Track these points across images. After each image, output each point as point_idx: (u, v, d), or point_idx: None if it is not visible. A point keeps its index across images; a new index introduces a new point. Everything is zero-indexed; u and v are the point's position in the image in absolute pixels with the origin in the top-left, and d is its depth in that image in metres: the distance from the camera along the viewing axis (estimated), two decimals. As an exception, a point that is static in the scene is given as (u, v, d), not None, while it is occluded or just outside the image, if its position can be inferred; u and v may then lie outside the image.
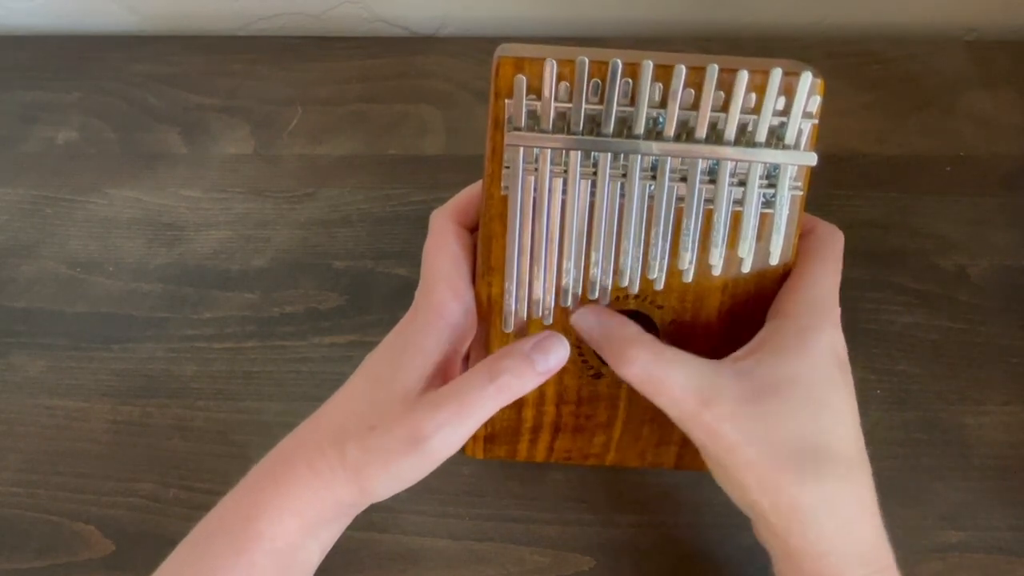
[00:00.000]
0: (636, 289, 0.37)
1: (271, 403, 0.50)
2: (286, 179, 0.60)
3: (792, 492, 0.33)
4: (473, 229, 0.39)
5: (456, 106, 0.64)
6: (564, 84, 0.34)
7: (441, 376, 0.36)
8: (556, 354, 0.36)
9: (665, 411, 0.35)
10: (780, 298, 0.37)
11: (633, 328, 0.36)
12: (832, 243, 0.37)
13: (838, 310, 0.36)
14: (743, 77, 0.33)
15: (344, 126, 0.63)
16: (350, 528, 0.38)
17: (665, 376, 0.34)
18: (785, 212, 0.35)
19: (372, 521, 0.45)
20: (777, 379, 0.34)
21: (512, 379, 0.35)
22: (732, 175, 0.35)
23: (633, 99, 0.34)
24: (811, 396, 0.34)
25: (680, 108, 0.34)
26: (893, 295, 0.53)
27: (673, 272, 0.37)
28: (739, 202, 0.35)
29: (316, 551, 0.36)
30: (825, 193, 0.57)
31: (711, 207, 0.35)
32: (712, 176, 0.35)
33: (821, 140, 0.35)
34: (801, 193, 0.35)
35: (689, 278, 0.37)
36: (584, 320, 0.37)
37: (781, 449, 0.33)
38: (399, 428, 0.34)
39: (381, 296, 0.54)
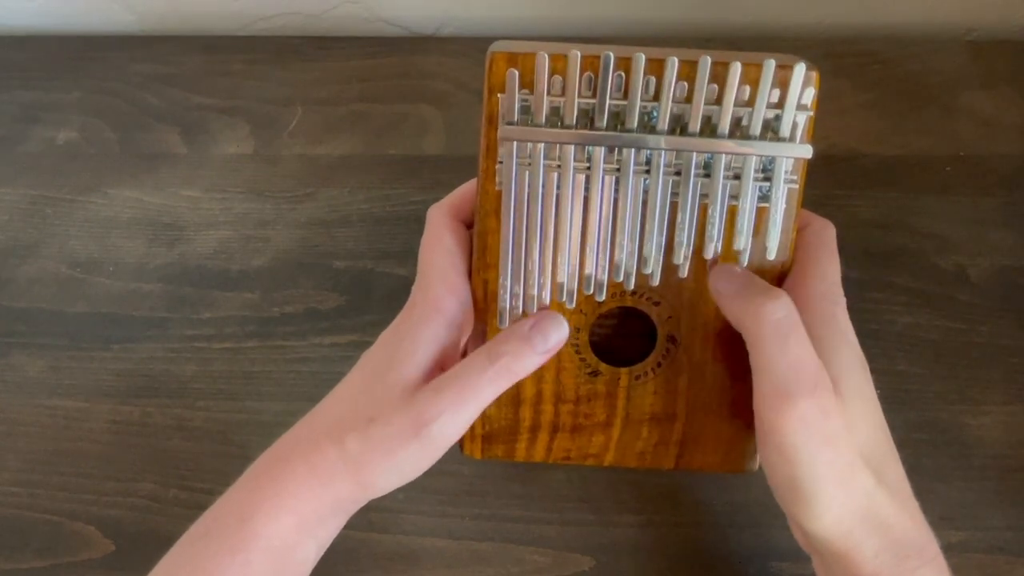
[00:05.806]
0: (632, 285, 0.37)
1: (271, 403, 0.50)
2: (286, 179, 0.61)
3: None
4: (470, 225, 0.39)
5: (456, 106, 0.64)
6: (557, 78, 0.34)
7: (438, 371, 0.36)
8: (555, 334, 0.36)
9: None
10: (790, 293, 0.36)
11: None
12: (829, 235, 0.37)
13: (844, 299, 0.36)
14: (736, 69, 0.33)
15: (344, 126, 0.63)
16: (350, 528, 0.38)
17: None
18: (781, 206, 0.35)
19: (372, 521, 0.45)
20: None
21: (512, 361, 0.35)
22: (727, 169, 0.35)
23: (626, 92, 0.34)
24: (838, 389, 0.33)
25: (674, 101, 0.34)
26: (893, 295, 0.53)
27: (669, 268, 0.37)
28: (735, 196, 0.35)
29: (313, 550, 0.36)
30: (825, 193, 0.57)
31: (707, 201, 0.35)
32: (707, 170, 0.35)
33: (821, 140, 0.35)
34: (797, 186, 0.35)
35: (685, 274, 0.37)
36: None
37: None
38: (399, 417, 0.34)
39: (381, 296, 0.54)
